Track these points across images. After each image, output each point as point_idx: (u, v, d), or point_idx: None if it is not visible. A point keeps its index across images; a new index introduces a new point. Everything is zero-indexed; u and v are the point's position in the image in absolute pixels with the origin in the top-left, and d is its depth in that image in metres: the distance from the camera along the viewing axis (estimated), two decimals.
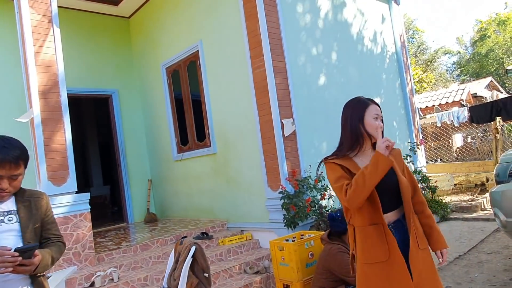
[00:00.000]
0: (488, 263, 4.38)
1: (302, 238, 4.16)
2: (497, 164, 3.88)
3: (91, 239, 4.28)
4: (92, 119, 10.47)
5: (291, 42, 5.41)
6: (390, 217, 1.93)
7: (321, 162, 2.10)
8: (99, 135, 10.39)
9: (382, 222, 1.88)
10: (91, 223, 4.30)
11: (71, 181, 4.24)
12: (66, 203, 4.15)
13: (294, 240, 4.01)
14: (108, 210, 9.88)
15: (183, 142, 6.71)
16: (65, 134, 4.28)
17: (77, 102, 10.02)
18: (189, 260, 2.69)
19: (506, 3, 29.74)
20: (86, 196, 4.29)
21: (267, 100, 5.01)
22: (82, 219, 4.23)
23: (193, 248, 2.72)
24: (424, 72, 22.28)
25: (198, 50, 6.10)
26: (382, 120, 2.02)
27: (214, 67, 5.89)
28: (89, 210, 4.32)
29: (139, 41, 7.54)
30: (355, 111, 2.01)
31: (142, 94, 7.61)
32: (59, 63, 4.36)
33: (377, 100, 6.89)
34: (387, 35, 7.55)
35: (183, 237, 3.17)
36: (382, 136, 1.92)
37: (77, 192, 4.31)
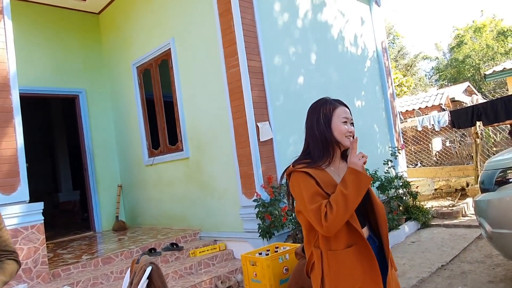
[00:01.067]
0: (472, 273, 4.19)
1: (277, 251, 3.86)
2: (482, 171, 3.67)
3: (45, 253, 3.87)
4: (61, 120, 9.92)
5: (268, 41, 5.12)
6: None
7: (285, 170, 1.80)
8: (68, 137, 9.84)
9: (363, 242, 1.63)
10: (44, 236, 3.89)
11: (22, 190, 3.83)
12: (16, 214, 3.73)
13: (268, 254, 3.71)
14: (77, 216, 9.34)
15: (155, 145, 6.33)
16: (16, 138, 3.86)
17: (45, 102, 9.49)
18: (143, 282, 2.34)
19: (482, 11, 30.52)
20: (39, 205, 3.87)
21: (242, 102, 4.70)
22: (34, 232, 3.81)
23: (148, 269, 2.37)
24: (404, 76, 22.41)
25: (170, 48, 5.74)
26: (352, 124, 1.77)
27: (187, 66, 5.55)
28: (43, 221, 3.91)
29: (110, 39, 7.12)
30: (321, 114, 1.75)
31: (111, 94, 7.18)
32: (10, 60, 3.93)
33: (357, 103, 6.67)
34: (368, 37, 7.37)
35: (142, 254, 2.83)
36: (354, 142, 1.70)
37: (30, 201, 3.90)
